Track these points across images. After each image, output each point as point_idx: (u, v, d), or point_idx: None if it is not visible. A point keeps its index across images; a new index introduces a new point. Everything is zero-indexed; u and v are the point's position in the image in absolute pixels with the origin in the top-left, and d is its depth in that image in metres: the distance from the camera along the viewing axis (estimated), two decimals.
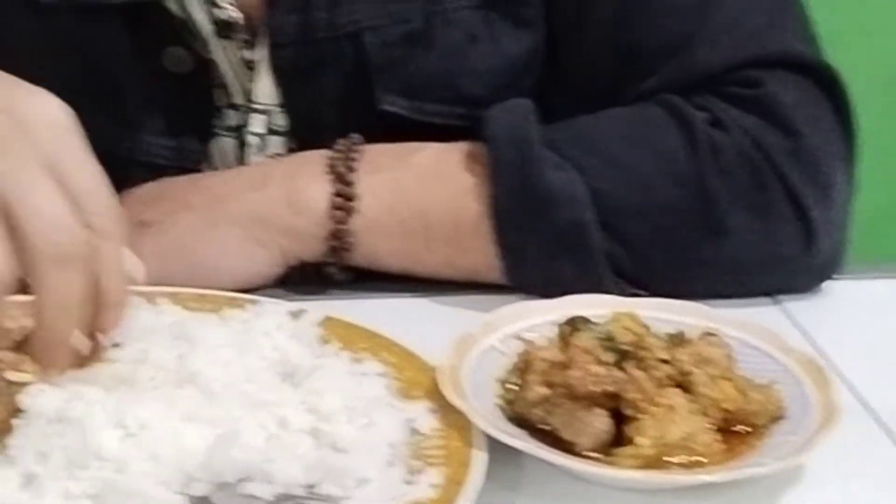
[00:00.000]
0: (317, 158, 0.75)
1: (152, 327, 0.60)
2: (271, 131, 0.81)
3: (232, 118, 0.81)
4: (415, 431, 0.58)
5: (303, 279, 0.77)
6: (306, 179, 0.74)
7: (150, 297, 0.64)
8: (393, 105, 0.79)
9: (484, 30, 0.79)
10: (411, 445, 0.56)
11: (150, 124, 0.80)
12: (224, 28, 0.78)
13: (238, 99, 0.80)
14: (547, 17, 0.80)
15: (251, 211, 0.73)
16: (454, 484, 0.53)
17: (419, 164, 0.74)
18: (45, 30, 0.78)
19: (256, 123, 0.80)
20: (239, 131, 0.81)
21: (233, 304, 0.65)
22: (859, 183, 0.77)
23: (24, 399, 0.53)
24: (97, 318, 0.54)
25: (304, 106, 0.79)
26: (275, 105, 0.80)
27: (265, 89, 0.79)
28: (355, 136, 0.75)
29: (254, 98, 0.80)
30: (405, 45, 0.78)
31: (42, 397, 0.53)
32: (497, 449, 0.56)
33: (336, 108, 0.79)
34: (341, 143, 0.75)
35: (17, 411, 0.53)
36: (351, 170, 0.73)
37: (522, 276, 0.73)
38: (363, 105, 0.79)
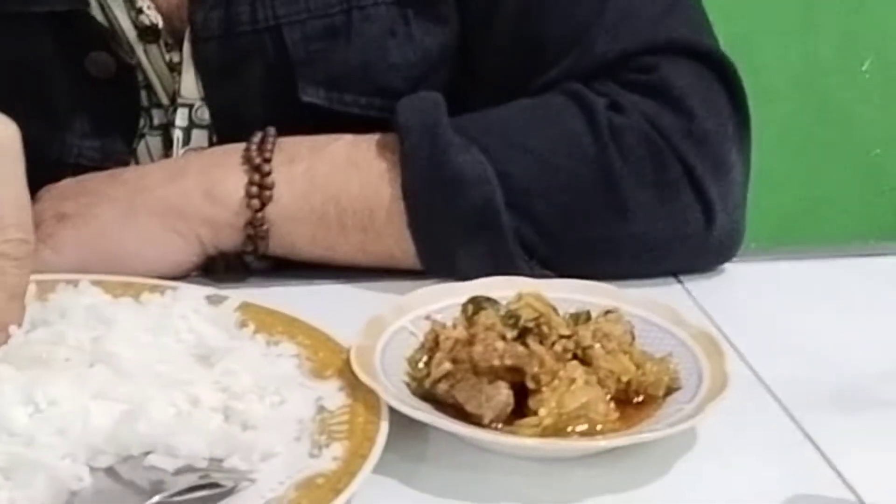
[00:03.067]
0: (233, 151, 0.77)
1: (71, 309, 0.62)
2: (194, 125, 0.83)
3: (158, 117, 0.83)
4: (323, 409, 0.59)
5: (224, 268, 0.79)
6: (223, 171, 0.76)
7: (72, 281, 0.65)
8: (313, 96, 0.81)
9: (401, 25, 0.82)
10: (319, 421, 0.58)
11: (77, 127, 0.81)
12: (147, 33, 0.80)
13: (164, 99, 0.82)
14: (459, 12, 0.83)
15: (169, 202, 0.75)
16: (357, 457, 0.55)
17: (333, 154, 0.76)
18: None
19: (180, 117, 0.82)
20: (166, 129, 0.83)
21: (153, 289, 0.66)
22: (776, 177, 0.80)
23: None
24: None
25: (227, 99, 0.81)
26: (197, 99, 0.82)
27: (189, 84, 0.81)
28: (271, 129, 0.77)
29: (179, 93, 0.82)
30: (325, 39, 0.80)
31: None
32: (404, 425, 0.58)
33: (258, 100, 0.81)
34: (257, 136, 0.77)
35: None
36: (266, 161, 0.75)
37: (436, 259, 0.75)
38: (284, 97, 0.81)
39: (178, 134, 0.82)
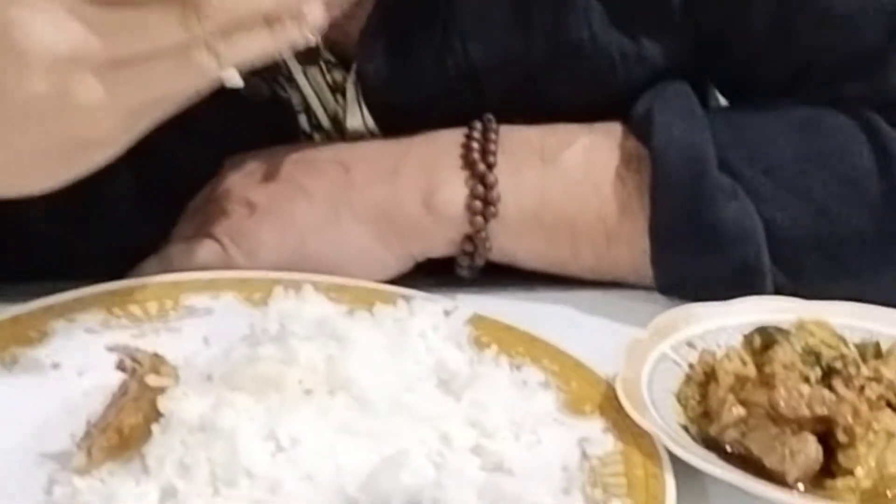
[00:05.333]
0: (451, 146, 0.66)
1: (296, 320, 0.54)
2: None
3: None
4: (587, 454, 0.51)
5: (429, 270, 0.70)
6: (441, 175, 0.66)
7: (293, 284, 0.58)
8: None
9: (627, 43, 0.68)
10: (588, 471, 0.50)
11: (230, 155, 0.70)
12: (304, 52, 0.68)
13: (325, 122, 0.72)
14: (695, 21, 0.69)
15: (379, 207, 0.65)
16: None
17: (567, 166, 0.66)
18: None
19: None
20: None
21: (383, 298, 0.58)
22: None
23: (164, 403, 0.47)
24: None
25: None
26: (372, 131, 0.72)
27: (356, 124, 0.71)
28: (491, 122, 0.67)
29: (347, 127, 0.71)
30: (531, 81, 0.68)
31: (185, 402, 0.47)
32: (681, 475, 0.50)
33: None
34: (477, 129, 0.66)
35: (156, 416, 0.47)
36: (490, 167, 0.65)
37: (681, 293, 0.65)
38: None
39: None
